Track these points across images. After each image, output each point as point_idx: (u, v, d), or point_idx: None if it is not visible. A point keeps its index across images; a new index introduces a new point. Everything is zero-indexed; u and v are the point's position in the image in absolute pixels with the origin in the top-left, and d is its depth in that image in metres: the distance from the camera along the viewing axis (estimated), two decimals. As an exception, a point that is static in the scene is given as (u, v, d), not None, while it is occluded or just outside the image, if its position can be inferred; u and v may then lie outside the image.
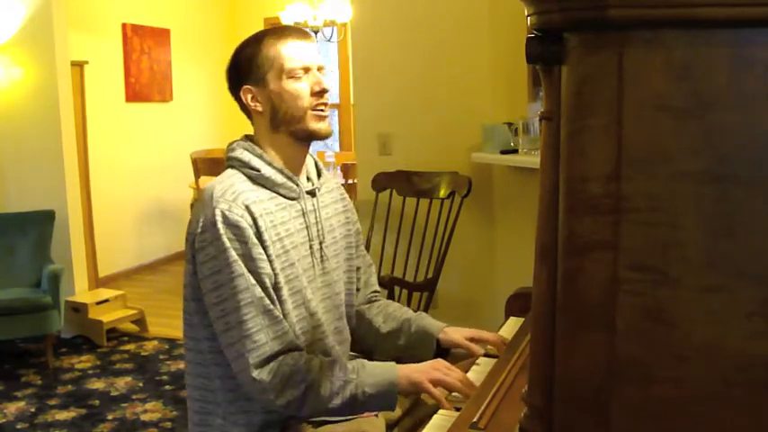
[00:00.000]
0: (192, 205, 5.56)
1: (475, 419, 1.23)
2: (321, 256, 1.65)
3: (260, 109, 1.59)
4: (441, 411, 1.43)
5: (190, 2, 6.63)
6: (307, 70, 1.58)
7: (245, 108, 1.64)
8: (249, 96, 1.59)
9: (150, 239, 6.13)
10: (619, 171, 0.68)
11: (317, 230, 1.65)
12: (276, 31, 1.61)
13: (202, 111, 6.82)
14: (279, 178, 1.58)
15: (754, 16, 0.64)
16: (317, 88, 1.58)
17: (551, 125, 0.75)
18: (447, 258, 3.15)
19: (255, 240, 1.49)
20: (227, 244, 1.47)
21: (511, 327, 1.83)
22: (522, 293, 1.94)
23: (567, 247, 0.72)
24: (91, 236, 5.08)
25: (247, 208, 1.50)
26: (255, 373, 1.46)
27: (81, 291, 4.51)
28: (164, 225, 6.27)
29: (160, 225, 6.25)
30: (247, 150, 1.59)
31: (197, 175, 4.99)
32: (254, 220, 1.50)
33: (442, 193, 3.22)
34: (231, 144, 1.64)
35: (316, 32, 5.69)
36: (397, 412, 1.68)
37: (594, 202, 0.70)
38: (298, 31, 1.61)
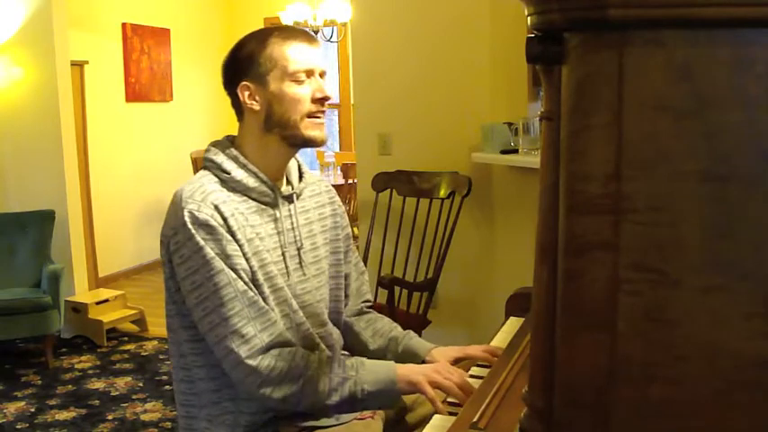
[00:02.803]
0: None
1: (475, 419, 1.23)
2: (300, 263, 1.61)
3: (256, 108, 1.54)
4: (436, 415, 1.42)
5: (190, 2, 6.64)
6: (309, 74, 1.54)
7: (236, 104, 1.59)
8: (246, 93, 1.54)
9: (150, 239, 6.12)
10: (619, 171, 0.68)
11: (293, 237, 1.60)
12: (282, 31, 1.57)
13: (202, 111, 6.82)
14: (251, 182, 1.54)
15: (754, 16, 0.64)
16: (318, 95, 1.54)
17: (551, 125, 0.75)
18: (447, 258, 3.15)
19: (229, 237, 1.47)
20: (201, 243, 1.45)
21: (511, 327, 1.83)
22: (522, 293, 1.94)
23: (567, 247, 0.72)
24: (91, 236, 5.09)
25: (216, 207, 1.47)
26: (251, 362, 1.44)
27: (81, 291, 4.51)
28: (164, 225, 6.27)
29: (160, 225, 6.21)
30: (222, 152, 1.56)
31: (197, 175, 4.98)
32: (225, 219, 1.47)
33: (442, 193, 3.22)
34: (209, 144, 1.61)
35: (316, 32, 5.69)
36: (391, 412, 1.67)
37: (594, 202, 0.69)
38: (304, 34, 1.57)
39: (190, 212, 1.46)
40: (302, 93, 1.53)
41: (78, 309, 4.31)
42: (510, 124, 3.28)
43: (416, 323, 2.91)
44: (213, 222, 1.46)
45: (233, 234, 1.47)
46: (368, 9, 3.63)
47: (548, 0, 0.72)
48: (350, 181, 5.67)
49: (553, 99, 0.74)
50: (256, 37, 1.56)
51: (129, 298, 4.63)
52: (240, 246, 1.48)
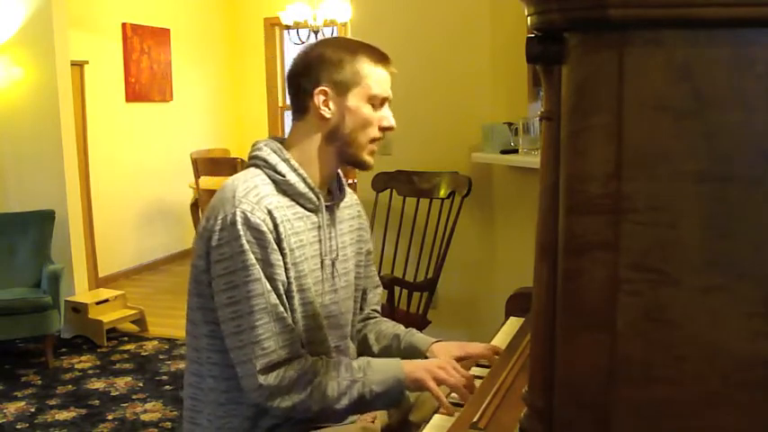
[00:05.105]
0: (191, 205, 5.56)
1: (475, 419, 1.23)
2: (332, 273, 1.61)
3: (327, 115, 1.54)
4: (441, 412, 1.43)
5: (190, 2, 6.63)
6: (383, 102, 1.57)
7: (302, 102, 1.57)
8: (322, 99, 1.53)
9: (150, 239, 6.13)
10: (619, 171, 0.68)
11: (330, 246, 1.61)
12: (373, 51, 1.57)
13: (202, 111, 6.82)
14: (302, 187, 1.54)
15: (754, 16, 0.64)
16: (385, 124, 1.57)
17: (551, 125, 0.75)
18: (447, 258, 3.15)
19: (275, 246, 1.46)
20: (246, 246, 1.44)
21: (511, 327, 1.83)
22: (522, 293, 1.94)
23: (567, 247, 0.72)
24: (91, 236, 5.09)
25: (270, 213, 1.47)
26: (262, 379, 1.44)
27: (81, 291, 4.51)
28: (164, 225, 6.27)
29: (160, 225, 6.25)
30: (275, 153, 1.55)
31: (197, 175, 4.98)
32: (275, 225, 1.47)
33: (442, 193, 3.22)
34: (258, 143, 1.59)
35: (316, 32, 5.69)
36: (394, 417, 1.67)
37: (594, 202, 0.70)
38: (389, 61, 1.59)
39: (243, 213, 1.45)
40: (374, 118, 1.55)
41: (78, 309, 4.31)
42: (510, 124, 3.28)
43: (416, 323, 2.90)
44: (264, 228, 1.45)
45: (279, 242, 1.47)
46: (368, 9, 3.63)
47: (548, 0, 0.72)
48: (350, 181, 5.68)
49: (553, 99, 0.75)
50: (347, 46, 1.57)
51: (129, 298, 4.63)
52: (283, 255, 1.48)
